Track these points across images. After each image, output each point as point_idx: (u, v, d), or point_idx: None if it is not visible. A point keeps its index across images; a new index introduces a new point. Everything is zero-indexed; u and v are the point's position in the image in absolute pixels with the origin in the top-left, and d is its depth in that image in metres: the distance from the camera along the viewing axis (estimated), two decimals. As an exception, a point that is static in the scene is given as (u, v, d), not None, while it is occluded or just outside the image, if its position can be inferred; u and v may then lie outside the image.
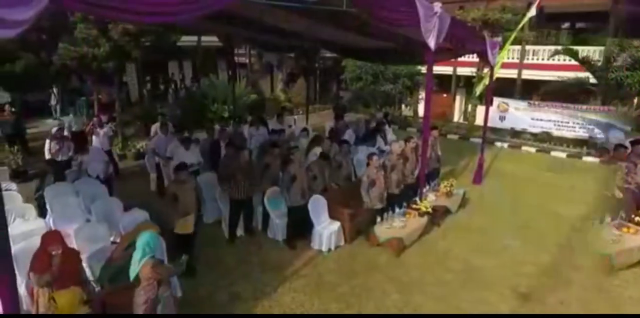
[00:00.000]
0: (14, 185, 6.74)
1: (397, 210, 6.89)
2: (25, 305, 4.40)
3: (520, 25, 11.28)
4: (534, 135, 13.90)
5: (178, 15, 3.49)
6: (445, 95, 18.79)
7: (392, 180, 6.95)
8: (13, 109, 11.54)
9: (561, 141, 13.36)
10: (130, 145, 10.42)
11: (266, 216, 6.73)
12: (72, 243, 5.22)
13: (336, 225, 6.50)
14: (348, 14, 5.09)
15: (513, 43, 12.95)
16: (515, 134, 14.22)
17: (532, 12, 10.78)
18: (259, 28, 7.73)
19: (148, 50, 9.88)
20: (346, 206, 6.67)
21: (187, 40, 15.22)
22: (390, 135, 9.89)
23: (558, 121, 13.64)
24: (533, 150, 13.29)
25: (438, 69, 17.80)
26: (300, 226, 6.42)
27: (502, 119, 14.50)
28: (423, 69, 16.52)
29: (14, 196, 6.33)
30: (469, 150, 12.07)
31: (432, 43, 6.15)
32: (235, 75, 15.32)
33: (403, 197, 7.17)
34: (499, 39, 8.86)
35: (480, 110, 14.02)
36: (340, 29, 6.40)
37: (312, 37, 7.88)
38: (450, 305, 5.25)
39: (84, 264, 4.92)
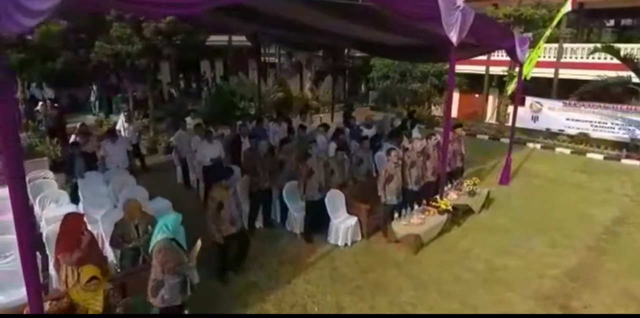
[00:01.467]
0: (51, 174, 7.18)
1: (415, 207, 6.80)
2: (55, 283, 4.69)
3: (555, 22, 10.83)
4: (571, 136, 13.29)
5: (196, 6, 3.60)
6: (477, 95, 18.36)
7: (412, 177, 6.87)
8: (56, 105, 12.28)
9: (598, 143, 12.73)
10: (160, 139, 10.82)
11: (284, 209, 6.82)
12: (99, 228, 5.51)
13: (353, 220, 6.49)
14: (367, 8, 5.10)
15: (550, 41, 12.47)
16: (550, 135, 13.64)
17: (567, 7, 10.33)
18: (284, 26, 7.86)
19: (180, 49, 10.26)
20: (364, 201, 6.66)
21: (219, 40, 15.64)
22: (416, 134, 9.75)
23: (596, 122, 13.00)
24: (567, 151, 12.74)
25: (470, 69, 17.47)
26: (317, 220, 6.46)
27: (534, 119, 13.98)
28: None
29: (51, 183, 6.78)
30: (499, 150, 11.70)
31: (454, 38, 6.05)
32: (264, 74, 15.63)
33: (423, 194, 7.07)
34: (530, 34, 8.51)
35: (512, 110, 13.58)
36: (361, 24, 6.40)
37: (336, 34, 7.91)
38: (467, 304, 5.14)
39: (107, 246, 5.20)
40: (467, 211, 7.49)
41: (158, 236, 3.84)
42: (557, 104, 13.77)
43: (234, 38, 15.55)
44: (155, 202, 6.02)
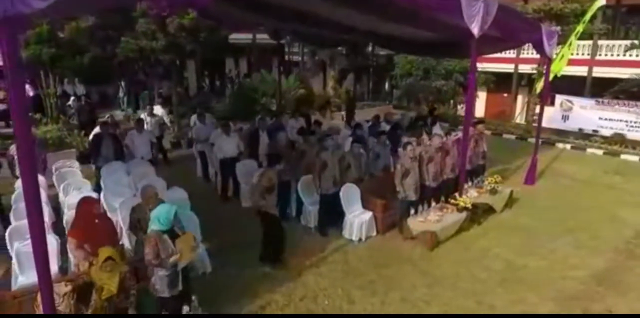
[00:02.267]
0: (76, 164, 7.46)
1: (433, 204, 6.65)
2: (73, 266, 4.82)
3: (587, 17, 10.35)
4: (604, 137, 12.63)
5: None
6: (506, 94, 17.82)
7: (429, 173, 6.72)
8: (88, 100, 12.77)
9: (634, 144, 12.09)
10: (183, 134, 11.05)
11: (300, 203, 6.80)
12: (118, 216, 5.65)
13: (368, 215, 6.41)
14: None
15: (584, 37, 11.93)
16: (583, 136, 12.98)
17: (601, 1, 9.86)
18: (301, 20, 7.85)
19: (204, 46, 10.46)
20: (380, 196, 6.56)
21: (243, 38, 15.84)
22: (437, 131, 9.53)
23: (632, 121, 12.36)
24: (600, 152, 12.17)
25: (498, 67, 17.00)
26: (332, 214, 6.41)
27: (565, 118, 13.43)
28: (478, 66, 15.78)
29: (75, 172, 7.07)
30: (525, 150, 11.29)
31: (475, 29, 5.88)
32: (287, 71, 15.70)
33: (441, 191, 6.91)
34: (558, 28, 8.17)
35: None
36: (379, 17, 6.30)
37: (355, 28, 7.84)
38: (483, 302, 4.97)
39: (125, 233, 5.33)
40: (488, 210, 7.26)
41: (151, 227, 3.87)
42: (589, 102, 13.19)
43: (258, 36, 15.72)
44: (171, 191, 6.12)
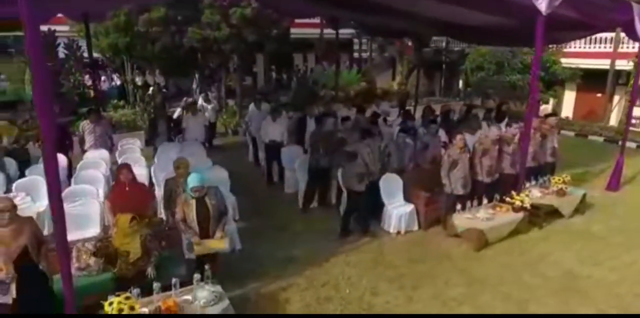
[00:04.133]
0: (138, 143, 8.08)
1: (485, 201, 6.04)
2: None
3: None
4: None
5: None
6: (600, 94, 15.82)
7: (483, 167, 6.12)
8: (164, 90, 13.80)
9: None
10: (242, 123, 11.46)
11: (341, 191, 6.59)
12: (161, 190, 5.94)
13: (409, 207, 6.01)
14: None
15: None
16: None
17: None
18: (362, 8, 7.64)
19: (269, 39, 10.72)
20: (424, 189, 6.12)
21: (311, 33, 16.01)
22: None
23: None
24: None
25: (590, 63, 15.15)
26: (370, 205, 6.08)
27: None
28: (564, 61, 14.11)
29: (135, 149, 7.69)
30: (613, 154, 9.89)
31: (542, 5, 5.22)
32: (351, 65, 15.53)
33: (496, 187, 6.26)
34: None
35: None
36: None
37: (412, 13, 7.41)
38: (525, 310, 4.39)
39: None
40: (553, 213, 6.43)
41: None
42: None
43: (326, 31, 15.77)
44: (213, 170, 6.32)
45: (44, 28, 10.49)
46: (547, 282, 4.90)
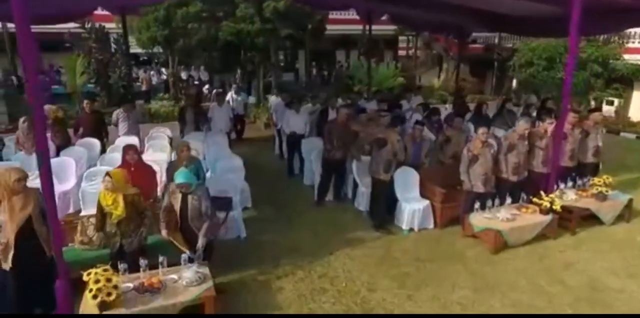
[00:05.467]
0: (168, 132, 8.35)
1: (508, 200, 5.58)
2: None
3: None
4: None
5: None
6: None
7: (509, 164, 5.65)
8: (196, 83, 14.37)
9: None
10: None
11: (356, 185, 6.41)
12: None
13: (424, 203, 5.71)
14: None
15: None
16: None
17: None
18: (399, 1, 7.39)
19: (309, 35, 10.73)
20: (442, 185, 5.77)
21: (354, 29, 15.80)
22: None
23: None
24: None
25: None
26: (387, 199, 5.84)
27: None
28: (627, 57, 12.69)
29: (163, 137, 7.96)
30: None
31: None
32: (395, 61, 15.17)
33: (524, 187, 5.76)
34: None
35: None
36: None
37: (448, 4, 7.02)
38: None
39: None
40: (590, 218, 5.82)
41: None
42: None
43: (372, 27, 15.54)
44: (229, 158, 6.40)
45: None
46: (567, 291, 4.42)
